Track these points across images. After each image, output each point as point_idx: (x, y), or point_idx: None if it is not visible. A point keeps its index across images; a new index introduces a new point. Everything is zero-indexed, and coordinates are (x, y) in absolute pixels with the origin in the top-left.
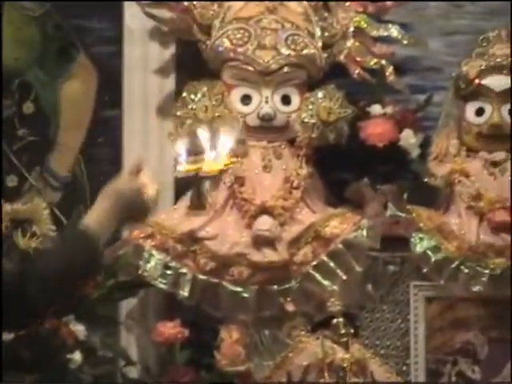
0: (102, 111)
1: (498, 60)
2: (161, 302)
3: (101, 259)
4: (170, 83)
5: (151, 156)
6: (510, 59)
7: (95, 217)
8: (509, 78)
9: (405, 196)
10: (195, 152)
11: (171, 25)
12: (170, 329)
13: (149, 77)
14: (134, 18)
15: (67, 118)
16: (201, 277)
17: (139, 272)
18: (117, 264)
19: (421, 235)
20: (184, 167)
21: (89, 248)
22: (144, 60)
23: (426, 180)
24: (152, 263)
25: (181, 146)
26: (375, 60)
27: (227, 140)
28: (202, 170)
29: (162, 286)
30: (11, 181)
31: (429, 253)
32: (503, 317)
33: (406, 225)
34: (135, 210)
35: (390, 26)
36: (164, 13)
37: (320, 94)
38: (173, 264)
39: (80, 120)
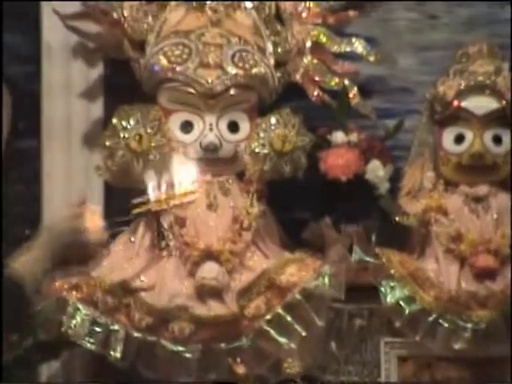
0: (17, 141)
1: (480, 78)
2: (88, 364)
3: (28, 300)
4: (97, 108)
5: (75, 194)
6: (493, 77)
7: (22, 259)
8: (492, 99)
9: (373, 238)
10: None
11: (98, 40)
12: None
13: (72, 101)
14: (53, 33)
15: None
16: (135, 334)
17: (62, 329)
18: (36, 320)
19: (392, 283)
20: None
21: (14, 292)
22: (66, 82)
23: (396, 219)
24: (78, 319)
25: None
26: (337, 80)
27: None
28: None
29: (89, 345)
30: None
31: (402, 304)
32: (489, 379)
33: (374, 271)
34: (70, 247)
35: (353, 40)
36: (90, 26)
37: (273, 120)
38: (102, 320)
39: None
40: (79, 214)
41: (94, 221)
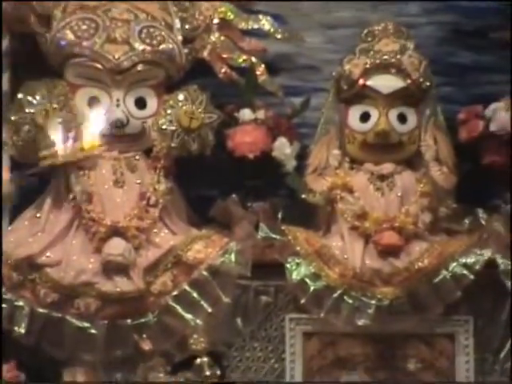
0: None
1: (385, 57)
2: None
3: None
4: (3, 83)
5: None
6: (398, 56)
7: None
8: (397, 78)
9: (279, 215)
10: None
11: (4, 14)
12: (4, 372)
13: None
14: None
15: None
16: (40, 310)
17: None
18: None
19: (298, 260)
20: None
21: None
22: None
23: (303, 196)
24: None
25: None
26: (244, 57)
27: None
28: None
29: None
30: None
31: (307, 281)
32: (392, 355)
33: (280, 248)
34: None
35: (260, 17)
36: None
37: (181, 97)
38: (7, 296)
39: None
40: None
41: None
